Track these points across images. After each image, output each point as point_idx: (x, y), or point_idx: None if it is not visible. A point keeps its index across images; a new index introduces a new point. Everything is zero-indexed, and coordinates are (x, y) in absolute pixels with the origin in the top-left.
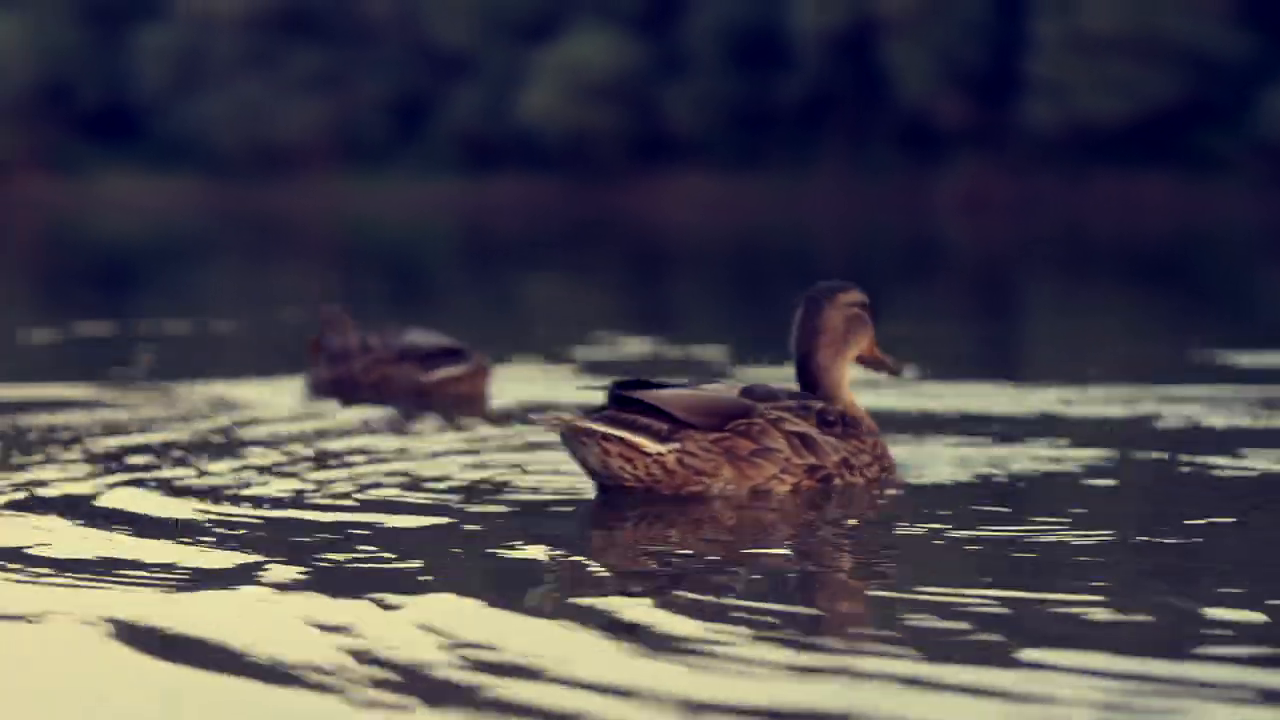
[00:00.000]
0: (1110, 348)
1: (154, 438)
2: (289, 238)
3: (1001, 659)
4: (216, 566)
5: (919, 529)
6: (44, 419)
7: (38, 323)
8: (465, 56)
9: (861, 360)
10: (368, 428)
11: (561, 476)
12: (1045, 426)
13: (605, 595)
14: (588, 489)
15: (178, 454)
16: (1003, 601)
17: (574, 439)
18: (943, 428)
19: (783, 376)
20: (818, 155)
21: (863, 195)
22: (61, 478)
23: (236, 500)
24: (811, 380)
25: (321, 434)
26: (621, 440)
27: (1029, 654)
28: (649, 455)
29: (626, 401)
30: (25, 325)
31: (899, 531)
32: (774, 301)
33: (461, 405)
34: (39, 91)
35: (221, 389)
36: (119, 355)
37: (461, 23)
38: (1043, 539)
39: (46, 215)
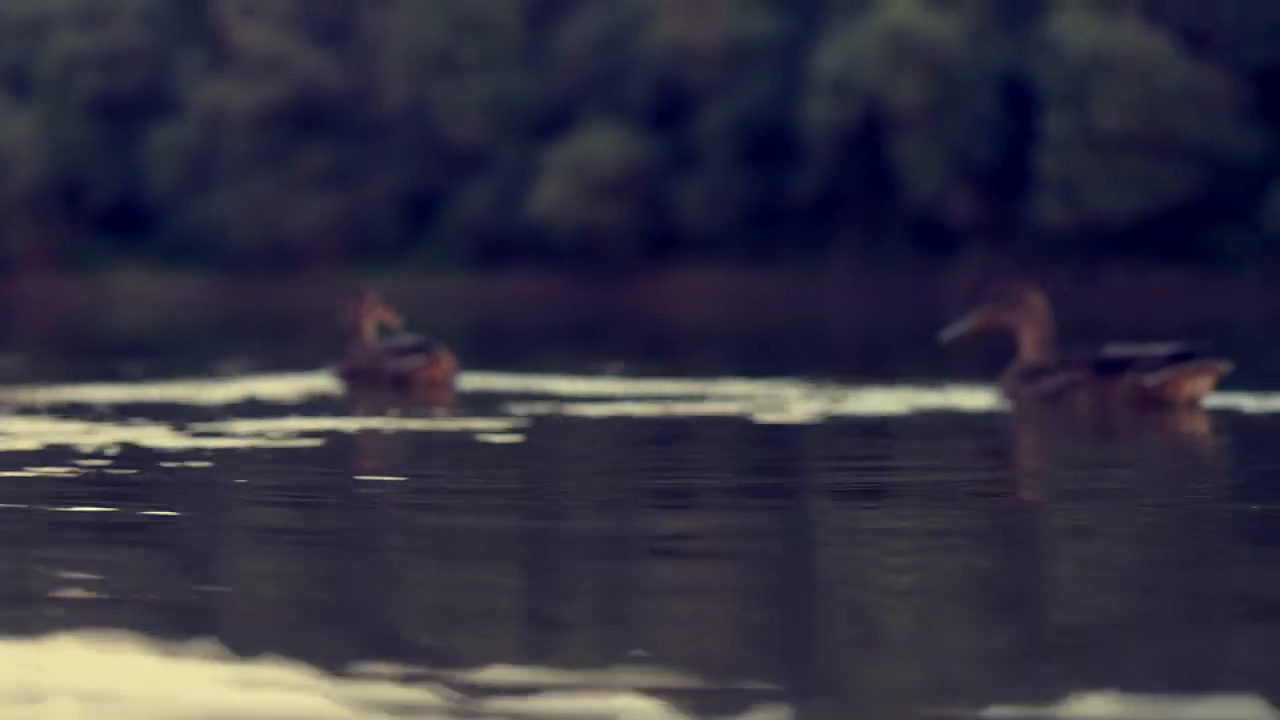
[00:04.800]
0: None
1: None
2: (298, 331)
3: None
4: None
5: None
6: None
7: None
8: (476, 153)
9: None
10: None
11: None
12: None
13: None
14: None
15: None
16: None
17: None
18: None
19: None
20: (830, 250)
21: (874, 289)
22: None
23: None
24: None
25: None
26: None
27: None
28: None
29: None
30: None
31: None
32: (786, 385)
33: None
34: (50, 188)
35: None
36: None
37: (473, 119)
38: None
39: (56, 311)
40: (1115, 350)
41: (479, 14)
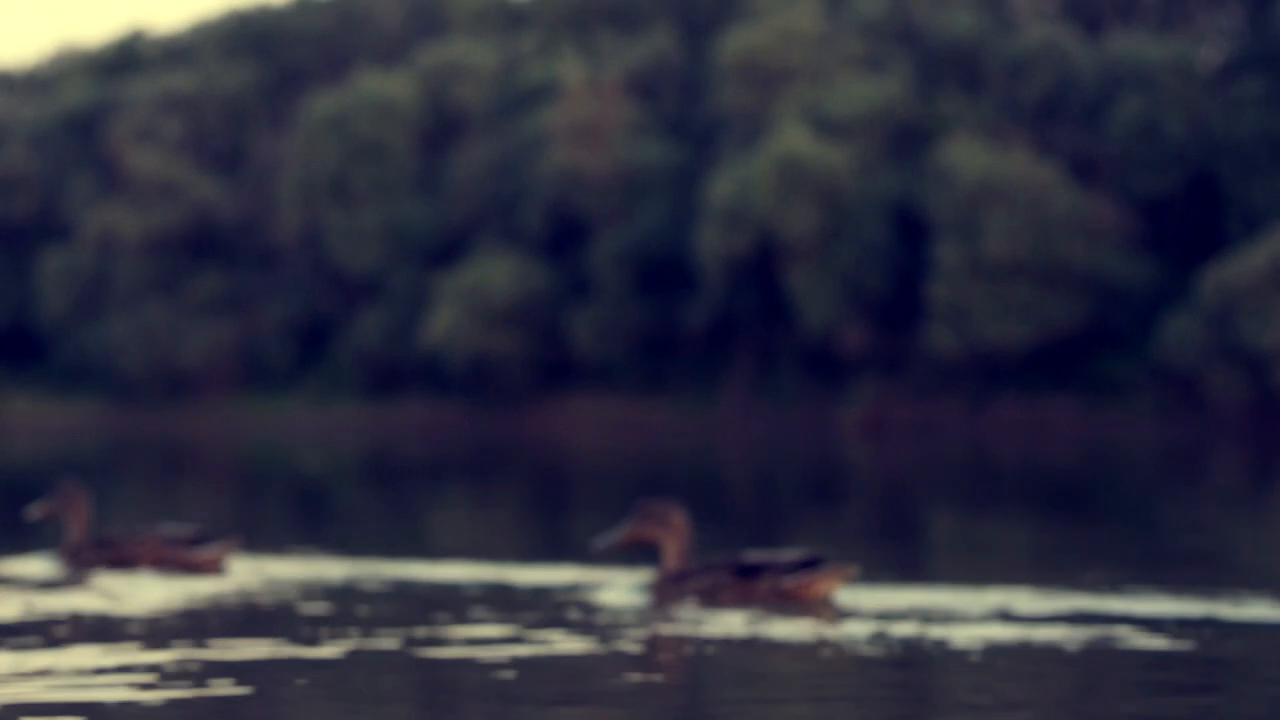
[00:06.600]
0: (1012, 569)
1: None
2: (191, 462)
3: None
4: None
5: None
6: None
7: None
8: (370, 281)
9: None
10: None
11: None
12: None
13: None
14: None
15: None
16: None
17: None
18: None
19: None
20: (723, 379)
21: (767, 419)
22: None
23: None
24: None
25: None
26: None
27: None
28: None
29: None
30: None
31: None
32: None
33: None
34: None
35: None
36: None
37: (366, 247)
38: None
39: None
40: (752, 556)
41: (372, 142)
